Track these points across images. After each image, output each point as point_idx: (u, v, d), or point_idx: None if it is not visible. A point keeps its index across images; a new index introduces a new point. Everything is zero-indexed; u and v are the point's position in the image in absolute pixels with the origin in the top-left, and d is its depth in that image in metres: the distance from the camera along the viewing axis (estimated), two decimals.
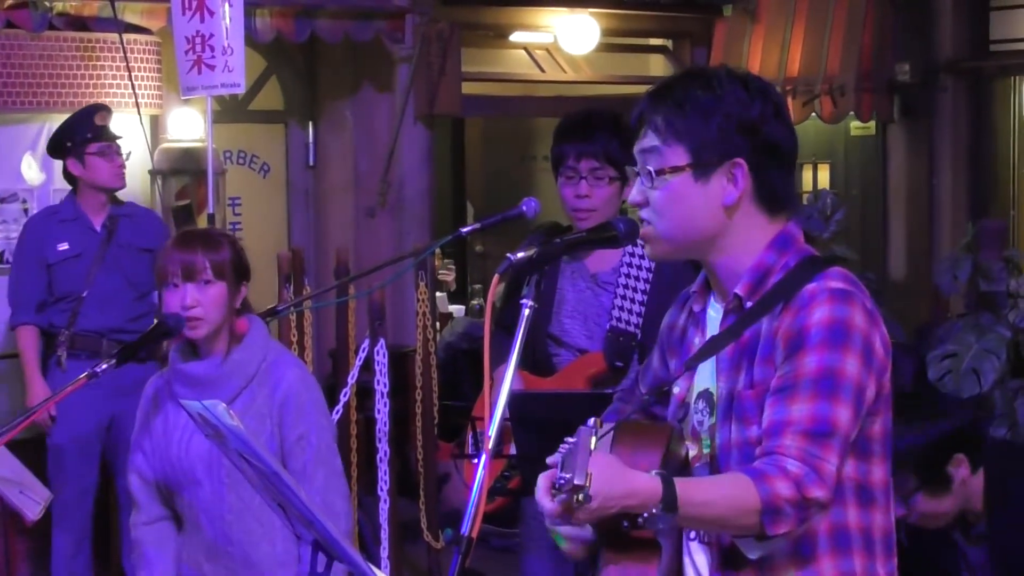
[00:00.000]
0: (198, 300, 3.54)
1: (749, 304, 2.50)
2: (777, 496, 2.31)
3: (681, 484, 2.28)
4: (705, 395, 2.57)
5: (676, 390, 2.62)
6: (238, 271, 3.62)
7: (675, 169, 2.49)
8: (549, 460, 2.33)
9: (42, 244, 6.04)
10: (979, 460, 3.55)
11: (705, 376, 2.57)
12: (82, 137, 6.01)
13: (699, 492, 2.29)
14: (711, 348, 2.53)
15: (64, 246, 6.00)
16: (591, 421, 2.16)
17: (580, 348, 4.25)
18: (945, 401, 3.82)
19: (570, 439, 2.22)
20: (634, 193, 2.56)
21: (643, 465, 2.37)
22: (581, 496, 2.16)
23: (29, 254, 6.06)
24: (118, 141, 6.14)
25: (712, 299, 2.62)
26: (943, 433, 3.52)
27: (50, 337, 6.03)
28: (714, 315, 2.60)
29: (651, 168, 2.50)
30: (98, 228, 6.03)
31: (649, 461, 2.41)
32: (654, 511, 2.18)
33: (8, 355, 6.48)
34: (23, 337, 6.05)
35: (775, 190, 2.53)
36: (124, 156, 6.15)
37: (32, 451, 6.28)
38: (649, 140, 2.52)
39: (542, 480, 2.32)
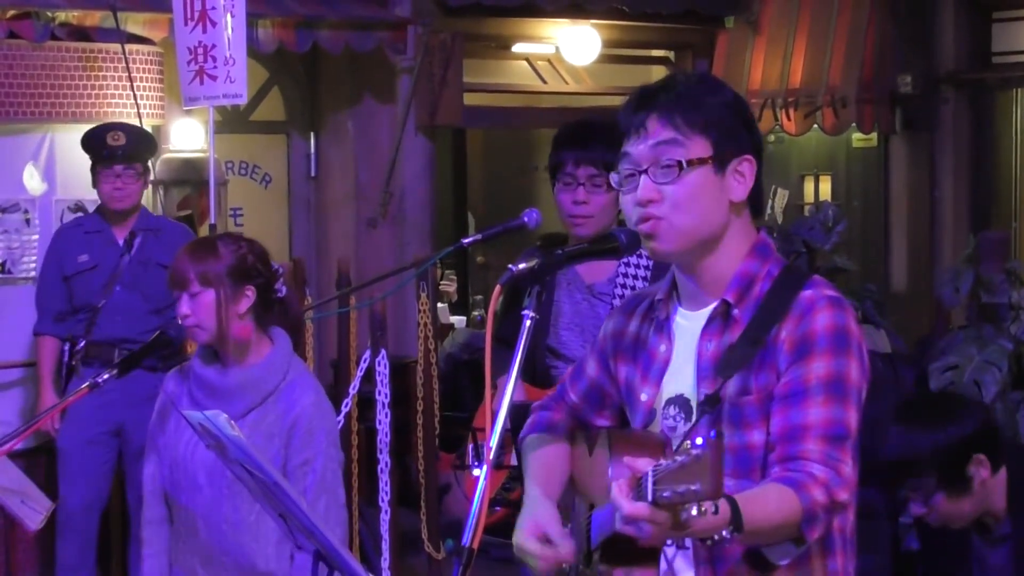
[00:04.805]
0: (191, 309, 3.57)
1: (737, 311, 2.51)
2: (815, 503, 2.34)
3: (740, 502, 2.24)
4: (679, 400, 2.57)
5: (644, 397, 2.62)
6: (238, 276, 3.58)
7: (701, 161, 2.47)
8: (639, 466, 2.17)
9: (63, 256, 6.11)
10: (999, 460, 3.55)
11: (678, 382, 2.57)
12: (94, 156, 6.05)
13: (756, 508, 2.26)
14: (738, 358, 2.47)
15: (84, 258, 6.07)
16: (713, 433, 2.08)
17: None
18: (962, 401, 3.82)
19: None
20: (646, 189, 2.49)
21: None
22: (713, 507, 2.08)
23: (50, 265, 6.16)
24: (138, 161, 6.06)
25: (678, 307, 2.61)
26: (963, 433, 3.52)
27: (70, 345, 6.08)
28: (684, 323, 2.59)
29: (681, 160, 2.46)
30: (120, 242, 6.07)
31: None
32: (724, 533, 2.17)
33: (31, 363, 6.50)
34: (40, 347, 6.18)
35: (759, 193, 2.57)
36: (142, 174, 6.10)
37: (43, 460, 6.31)
38: (666, 132, 2.47)
39: (623, 484, 2.18)
